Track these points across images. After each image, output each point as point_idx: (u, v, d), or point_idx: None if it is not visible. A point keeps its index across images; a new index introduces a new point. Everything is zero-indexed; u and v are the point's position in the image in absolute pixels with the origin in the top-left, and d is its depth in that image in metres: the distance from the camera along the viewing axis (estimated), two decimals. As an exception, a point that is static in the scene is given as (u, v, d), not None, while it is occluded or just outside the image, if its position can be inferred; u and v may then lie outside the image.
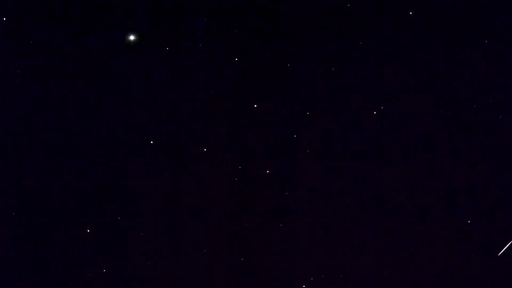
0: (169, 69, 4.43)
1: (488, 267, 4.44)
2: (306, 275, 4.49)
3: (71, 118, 4.39)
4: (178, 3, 4.41)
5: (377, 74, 4.44)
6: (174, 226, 4.46)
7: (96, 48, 4.37)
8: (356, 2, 4.42)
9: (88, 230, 4.39)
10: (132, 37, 4.36)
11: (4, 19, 4.29)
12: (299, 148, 4.48)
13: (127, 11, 4.38)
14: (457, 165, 4.46)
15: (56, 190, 4.38)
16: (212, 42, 4.43)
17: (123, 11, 4.38)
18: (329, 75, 4.45)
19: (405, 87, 4.44)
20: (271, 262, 4.48)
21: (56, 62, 4.36)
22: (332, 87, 4.46)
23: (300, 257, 4.49)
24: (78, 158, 4.38)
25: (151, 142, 4.42)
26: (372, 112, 4.44)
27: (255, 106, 4.45)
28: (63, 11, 4.36)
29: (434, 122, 4.45)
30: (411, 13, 4.39)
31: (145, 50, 4.41)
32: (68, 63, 4.37)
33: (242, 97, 4.46)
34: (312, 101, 4.46)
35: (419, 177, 4.47)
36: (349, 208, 4.48)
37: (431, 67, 4.43)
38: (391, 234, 4.47)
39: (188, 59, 4.44)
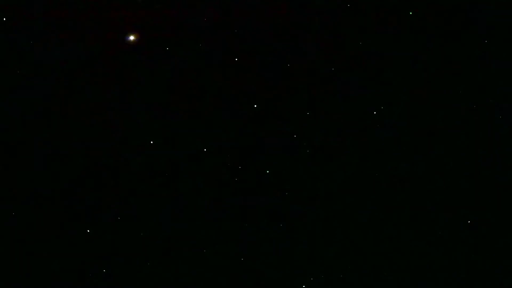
0: (168, 69, 4.44)
1: (487, 267, 4.47)
2: (306, 275, 4.50)
3: (70, 118, 4.40)
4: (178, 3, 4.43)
5: (377, 74, 4.46)
6: (174, 226, 4.47)
7: (95, 47, 4.39)
8: (356, 3, 4.43)
9: (88, 230, 4.40)
10: (132, 37, 4.37)
11: (4, 19, 4.30)
12: (299, 148, 4.48)
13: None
14: (456, 166, 4.49)
15: (55, 190, 4.40)
16: (212, 42, 4.44)
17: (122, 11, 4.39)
18: (329, 75, 4.47)
19: (404, 87, 4.46)
20: (271, 262, 4.49)
21: (55, 61, 4.38)
22: (331, 87, 4.47)
23: (300, 257, 4.50)
24: (78, 157, 4.40)
25: (151, 142, 4.43)
26: (372, 112, 4.45)
27: (255, 106, 4.46)
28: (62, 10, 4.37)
29: (434, 122, 4.47)
30: (411, 13, 4.41)
31: (145, 49, 4.42)
32: (67, 62, 4.38)
33: (242, 96, 4.47)
34: (312, 101, 4.47)
35: (419, 177, 4.49)
36: (349, 208, 4.49)
37: (431, 67, 4.45)
38: (391, 234, 4.49)
39: (188, 58, 4.45)
